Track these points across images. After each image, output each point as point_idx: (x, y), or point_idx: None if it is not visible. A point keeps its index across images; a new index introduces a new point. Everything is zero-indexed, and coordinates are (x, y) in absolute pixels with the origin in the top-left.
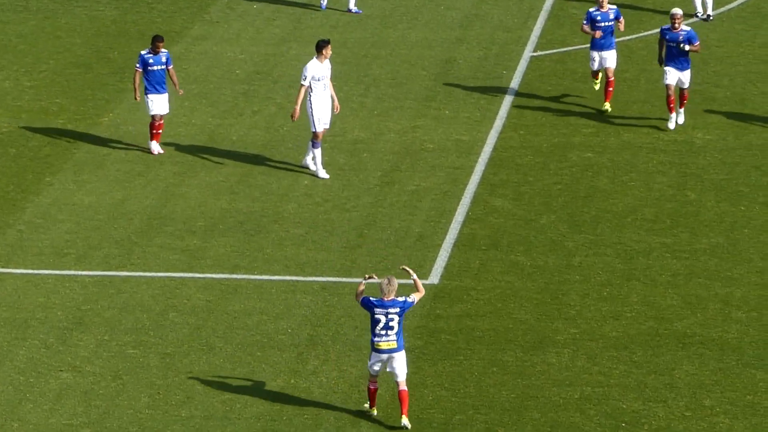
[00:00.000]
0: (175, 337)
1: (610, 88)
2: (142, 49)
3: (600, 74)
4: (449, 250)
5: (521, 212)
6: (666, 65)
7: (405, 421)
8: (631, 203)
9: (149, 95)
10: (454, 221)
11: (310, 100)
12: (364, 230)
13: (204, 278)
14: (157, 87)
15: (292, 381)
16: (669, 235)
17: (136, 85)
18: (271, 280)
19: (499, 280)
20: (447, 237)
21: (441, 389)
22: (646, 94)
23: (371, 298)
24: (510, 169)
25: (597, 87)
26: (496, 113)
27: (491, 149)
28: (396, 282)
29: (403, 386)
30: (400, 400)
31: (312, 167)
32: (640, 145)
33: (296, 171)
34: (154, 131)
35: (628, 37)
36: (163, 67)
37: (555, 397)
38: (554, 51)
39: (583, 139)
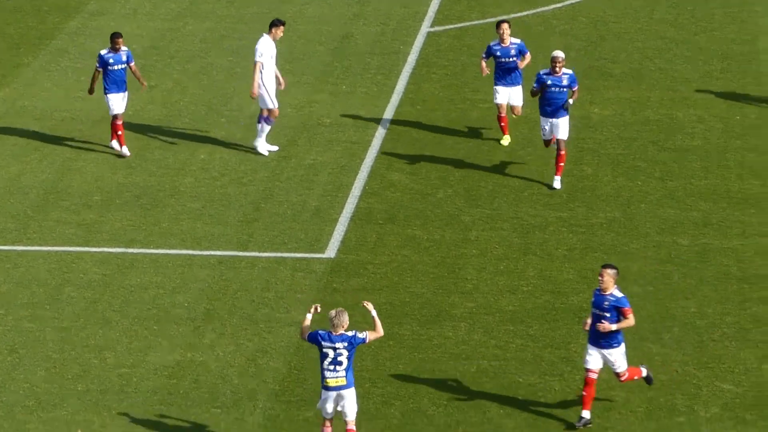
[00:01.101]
0: (72, 311)
1: (503, 124)
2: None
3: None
4: (346, 224)
5: (418, 186)
6: (541, 114)
7: None
8: (527, 177)
9: (109, 95)
10: (350, 195)
11: (262, 78)
12: (260, 204)
13: (100, 252)
14: (118, 86)
15: (189, 355)
16: (565, 210)
17: (95, 84)
18: (167, 254)
19: (396, 254)
20: (344, 211)
21: None
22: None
23: (319, 331)
24: (407, 144)
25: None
26: (393, 88)
27: (388, 124)
28: (346, 316)
29: (352, 426)
30: None
31: (266, 150)
32: (536, 119)
33: (193, 145)
34: (120, 132)
35: (524, 13)
36: (124, 65)
37: (451, 371)
38: (451, 27)
39: (480, 114)
